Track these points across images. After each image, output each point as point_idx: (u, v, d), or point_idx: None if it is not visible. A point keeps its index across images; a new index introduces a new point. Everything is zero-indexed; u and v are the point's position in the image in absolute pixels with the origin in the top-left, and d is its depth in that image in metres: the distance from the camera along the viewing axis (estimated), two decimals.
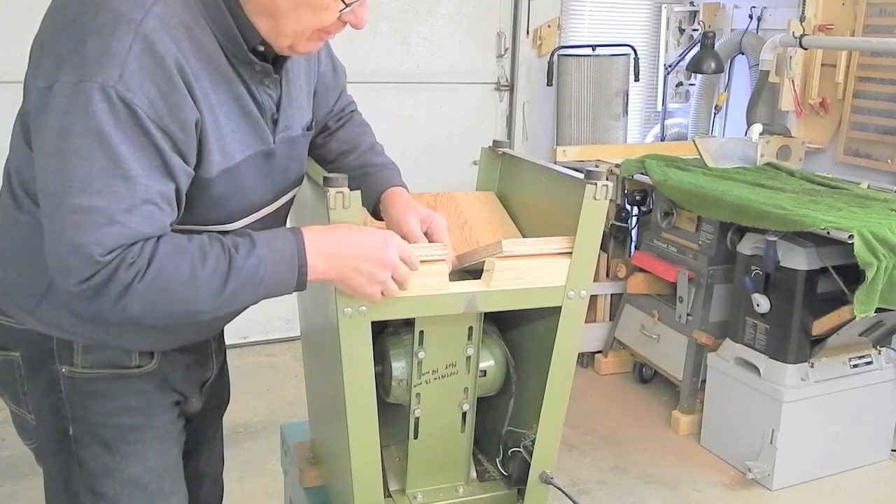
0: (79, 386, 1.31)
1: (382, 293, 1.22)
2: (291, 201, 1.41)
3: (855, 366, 2.93)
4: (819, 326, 2.76)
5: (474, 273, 1.34)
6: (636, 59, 4.21)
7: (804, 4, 3.71)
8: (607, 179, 1.28)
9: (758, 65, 3.75)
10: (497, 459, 1.50)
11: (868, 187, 3.14)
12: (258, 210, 1.30)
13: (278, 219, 1.39)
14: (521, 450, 1.44)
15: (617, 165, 3.53)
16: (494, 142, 1.67)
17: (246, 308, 1.27)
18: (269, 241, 1.17)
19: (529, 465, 1.42)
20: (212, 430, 1.66)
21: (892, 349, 3.02)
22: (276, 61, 1.28)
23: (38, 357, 1.31)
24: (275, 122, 1.29)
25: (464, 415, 1.45)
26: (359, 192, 1.20)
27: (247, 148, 1.24)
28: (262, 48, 1.23)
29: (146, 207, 1.09)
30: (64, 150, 1.07)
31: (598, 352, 3.81)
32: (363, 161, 1.52)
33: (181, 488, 1.45)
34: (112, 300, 1.09)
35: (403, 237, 1.29)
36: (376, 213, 1.46)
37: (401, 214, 1.37)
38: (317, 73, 1.45)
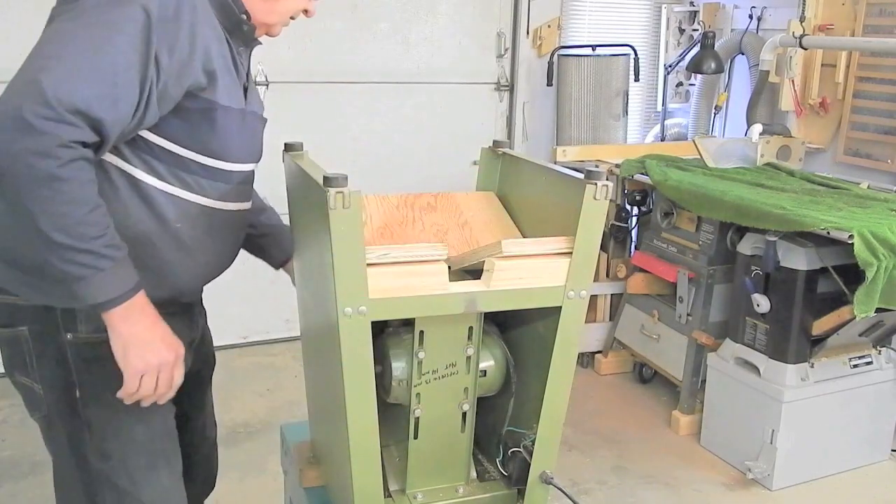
0: (83, 352, 1.40)
1: (143, 379, 1.33)
2: (250, 175, 1.54)
3: (855, 366, 2.93)
4: (819, 326, 2.76)
5: (474, 273, 1.35)
6: (636, 59, 4.21)
7: (804, 4, 3.71)
8: (607, 179, 1.28)
9: (758, 65, 3.75)
10: (497, 459, 1.50)
11: (868, 187, 3.14)
12: (237, 162, 1.45)
13: (246, 183, 1.52)
14: (521, 450, 1.44)
15: (617, 165, 3.54)
16: (494, 142, 1.67)
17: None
18: (125, 267, 1.28)
19: (529, 465, 1.42)
20: (205, 395, 1.80)
21: (892, 349, 3.02)
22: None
23: (44, 329, 1.41)
24: (245, 90, 1.47)
25: (464, 415, 1.45)
26: (359, 191, 1.20)
27: (235, 102, 1.41)
28: (246, 27, 1.44)
29: (106, 89, 1.20)
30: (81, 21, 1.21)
31: (598, 352, 3.81)
32: (273, 221, 1.78)
33: (178, 451, 1.54)
34: (40, 146, 1.16)
35: None
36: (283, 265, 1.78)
37: None
38: None
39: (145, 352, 1.32)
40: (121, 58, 1.21)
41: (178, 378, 1.38)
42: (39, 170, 1.16)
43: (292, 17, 1.52)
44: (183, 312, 1.55)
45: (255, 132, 1.51)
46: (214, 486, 1.92)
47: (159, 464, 1.48)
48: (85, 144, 1.21)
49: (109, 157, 1.33)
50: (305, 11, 1.52)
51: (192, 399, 1.72)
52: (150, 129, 1.32)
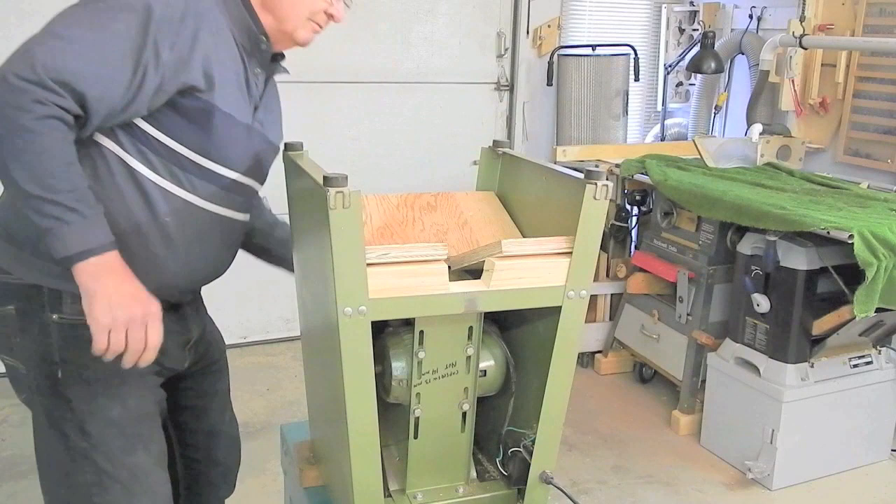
0: (67, 332, 1.43)
1: (111, 335, 1.31)
2: (249, 189, 1.58)
3: (855, 366, 2.93)
4: (819, 326, 2.76)
5: (474, 273, 1.34)
6: (636, 59, 4.21)
7: (804, 4, 3.71)
8: (607, 179, 1.28)
9: (758, 65, 3.75)
10: (497, 459, 1.50)
11: (868, 187, 3.14)
12: (230, 168, 1.49)
13: (239, 193, 1.54)
14: (521, 450, 1.44)
15: (617, 165, 3.54)
16: (494, 142, 1.67)
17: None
18: (96, 225, 1.30)
19: (529, 464, 1.42)
20: (215, 389, 1.82)
21: (892, 349, 3.02)
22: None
23: (30, 308, 1.44)
24: (255, 109, 1.52)
25: (464, 415, 1.45)
26: (359, 191, 1.20)
27: (239, 114, 1.47)
28: (264, 46, 1.51)
29: (95, 68, 1.27)
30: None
31: (598, 352, 3.81)
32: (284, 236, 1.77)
33: (159, 437, 1.56)
34: (16, 98, 1.22)
35: None
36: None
37: None
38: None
39: (111, 305, 1.29)
40: (115, 43, 1.29)
41: (154, 337, 1.34)
42: (14, 121, 1.23)
43: (318, 24, 1.53)
44: (170, 310, 1.54)
45: (260, 152, 1.56)
46: (234, 487, 1.94)
47: (136, 446, 1.50)
48: (65, 111, 1.26)
49: (109, 145, 1.39)
50: (331, 16, 1.54)
51: (200, 394, 1.78)
52: (149, 122, 1.38)
